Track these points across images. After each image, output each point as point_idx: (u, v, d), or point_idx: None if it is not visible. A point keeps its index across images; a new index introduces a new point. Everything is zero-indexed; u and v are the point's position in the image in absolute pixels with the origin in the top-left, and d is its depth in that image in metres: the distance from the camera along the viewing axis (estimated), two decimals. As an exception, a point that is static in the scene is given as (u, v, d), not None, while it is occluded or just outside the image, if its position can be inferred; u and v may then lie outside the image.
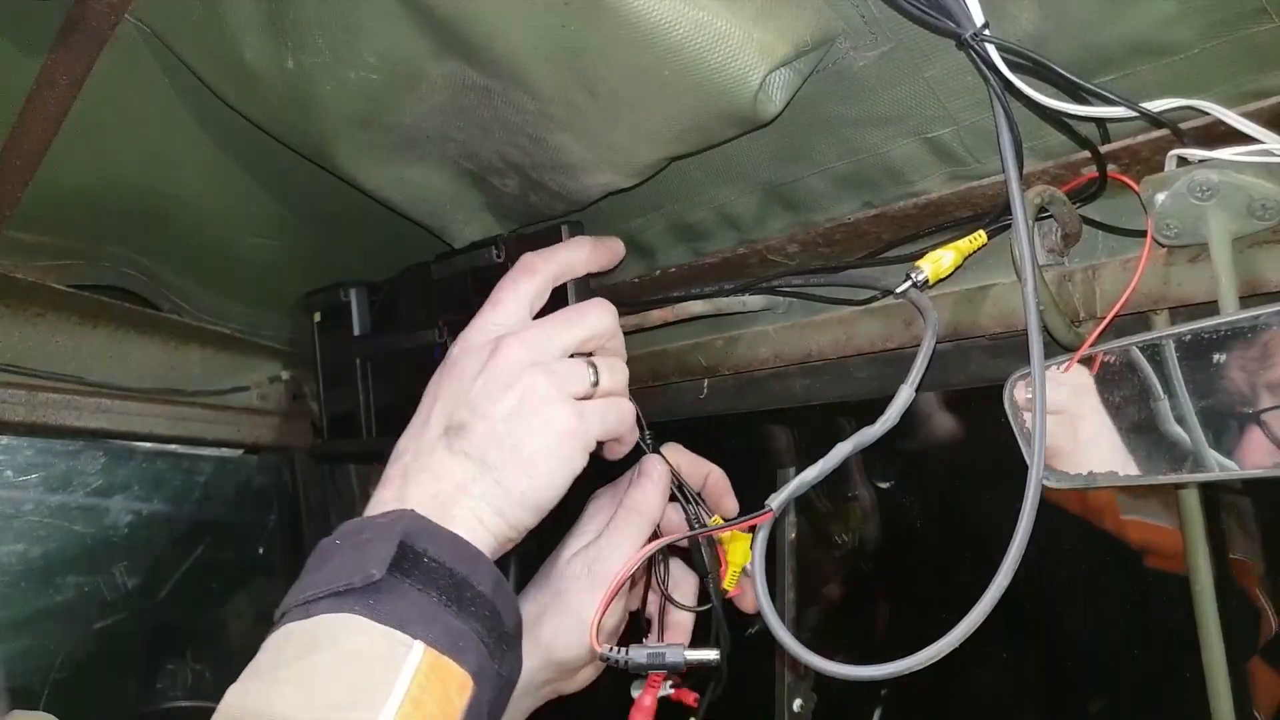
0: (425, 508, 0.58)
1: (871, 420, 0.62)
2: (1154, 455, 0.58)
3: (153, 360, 1.06)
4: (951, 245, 0.64)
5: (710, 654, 0.65)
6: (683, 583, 0.76)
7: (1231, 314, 0.53)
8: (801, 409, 0.86)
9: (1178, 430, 0.56)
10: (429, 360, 0.88)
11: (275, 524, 1.34)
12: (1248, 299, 0.55)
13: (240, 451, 1.26)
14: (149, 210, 0.88)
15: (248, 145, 0.79)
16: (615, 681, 0.71)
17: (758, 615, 0.63)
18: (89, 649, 1.18)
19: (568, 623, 0.68)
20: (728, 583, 0.72)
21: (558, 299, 0.71)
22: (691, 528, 0.73)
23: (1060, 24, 0.52)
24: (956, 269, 0.64)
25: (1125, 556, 0.90)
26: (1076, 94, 0.52)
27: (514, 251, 0.80)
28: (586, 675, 0.72)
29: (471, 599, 0.54)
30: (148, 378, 1.05)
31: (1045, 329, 0.57)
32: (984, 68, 0.51)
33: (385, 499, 0.61)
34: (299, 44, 0.64)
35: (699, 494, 0.76)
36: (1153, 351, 0.57)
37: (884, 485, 0.81)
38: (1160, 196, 0.56)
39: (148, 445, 1.19)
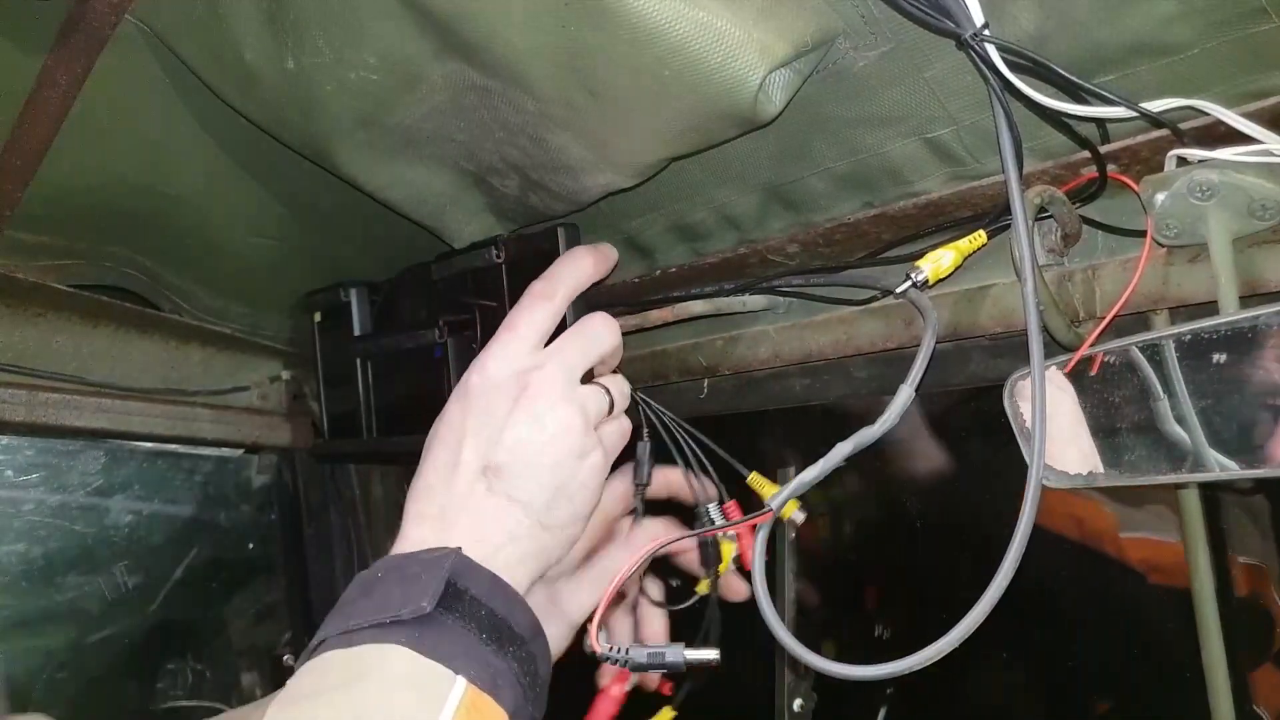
0: (469, 549, 0.59)
1: (871, 420, 0.63)
2: (1154, 455, 0.58)
3: (153, 360, 1.06)
4: (951, 245, 0.64)
5: (710, 654, 0.65)
6: (651, 581, 0.78)
7: (1231, 314, 0.53)
8: (802, 409, 0.86)
9: (1177, 430, 0.56)
10: (429, 360, 0.88)
11: (275, 524, 1.34)
12: (1247, 299, 0.55)
13: (240, 451, 1.26)
14: (149, 210, 0.88)
15: (248, 145, 0.79)
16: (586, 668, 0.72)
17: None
18: (89, 649, 1.18)
19: (556, 629, 0.70)
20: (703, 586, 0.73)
21: None
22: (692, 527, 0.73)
23: (1060, 24, 0.52)
24: (956, 269, 0.64)
25: (1128, 577, 0.90)
26: (1076, 94, 0.52)
27: (513, 252, 0.80)
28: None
29: (510, 639, 0.56)
30: (148, 377, 1.05)
31: (1045, 329, 0.57)
32: (984, 68, 0.51)
33: (426, 537, 0.61)
34: (299, 44, 0.64)
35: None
36: (1152, 351, 0.57)
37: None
38: (1160, 196, 0.56)
39: (148, 445, 1.19)
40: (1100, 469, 0.61)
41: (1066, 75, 0.51)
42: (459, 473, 0.63)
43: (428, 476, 0.65)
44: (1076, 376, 0.60)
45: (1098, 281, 0.64)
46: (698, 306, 0.80)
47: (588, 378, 0.68)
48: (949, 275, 0.64)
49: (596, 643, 0.63)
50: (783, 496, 0.63)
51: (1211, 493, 0.72)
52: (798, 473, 0.64)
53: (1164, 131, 0.55)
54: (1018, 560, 0.52)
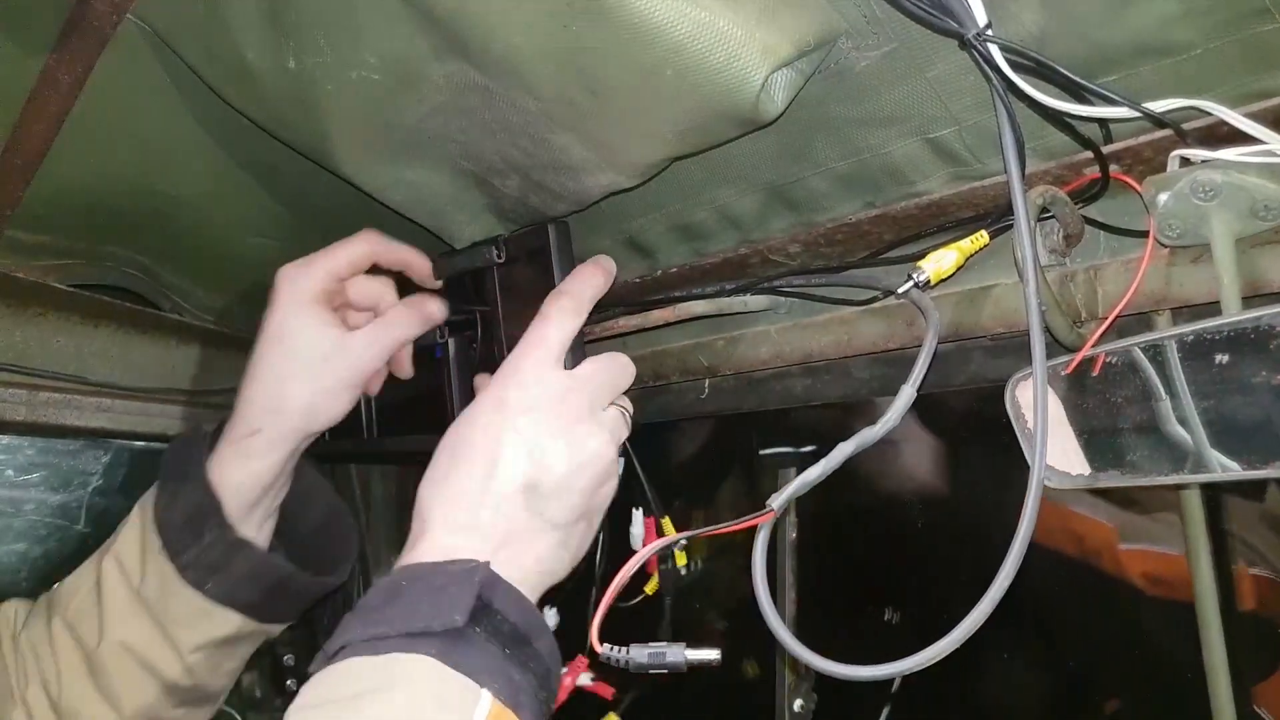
0: (499, 561, 0.60)
1: (873, 420, 0.62)
2: (1156, 456, 0.58)
3: (154, 360, 1.06)
4: (953, 245, 0.64)
5: (712, 654, 0.66)
6: None
7: (1234, 315, 0.53)
8: (803, 409, 0.86)
9: (1179, 431, 0.56)
10: (430, 360, 0.88)
11: (276, 524, 1.33)
12: (1250, 299, 0.55)
13: (241, 451, 1.26)
14: (150, 210, 0.88)
15: (249, 145, 0.79)
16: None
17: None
18: (90, 649, 1.17)
19: None
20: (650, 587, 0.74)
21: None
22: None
23: (1063, 24, 0.52)
24: (958, 269, 0.64)
25: (1128, 591, 0.90)
26: (1079, 94, 0.52)
27: (514, 251, 0.80)
28: None
29: (530, 656, 0.57)
30: (149, 377, 1.05)
31: (1047, 329, 0.57)
32: (987, 68, 0.51)
33: (459, 546, 0.62)
34: (300, 44, 0.64)
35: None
36: (1155, 352, 0.57)
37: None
38: (1163, 197, 0.56)
39: (149, 445, 1.19)
40: (1100, 470, 0.61)
41: (1069, 75, 0.51)
42: (499, 486, 0.64)
43: (461, 483, 0.64)
44: (1078, 377, 0.60)
45: (1100, 282, 0.64)
46: (699, 307, 0.80)
47: None
48: (951, 276, 0.64)
49: (597, 643, 0.63)
50: (785, 496, 0.63)
51: (1214, 493, 0.72)
52: (799, 473, 0.64)
53: (1167, 132, 0.55)
54: (1019, 560, 0.52)
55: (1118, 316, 0.60)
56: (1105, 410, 0.60)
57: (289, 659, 1.31)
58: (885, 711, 1.01)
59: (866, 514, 1.06)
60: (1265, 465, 0.53)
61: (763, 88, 0.55)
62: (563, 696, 0.76)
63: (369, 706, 0.51)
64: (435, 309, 0.82)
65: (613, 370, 0.70)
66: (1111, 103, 0.51)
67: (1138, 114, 0.52)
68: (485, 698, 0.52)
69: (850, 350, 0.77)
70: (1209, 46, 0.50)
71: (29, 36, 0.66)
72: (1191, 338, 0.54)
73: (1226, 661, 0.68)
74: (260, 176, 0.87)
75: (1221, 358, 0.53)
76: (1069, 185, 0.61)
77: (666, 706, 0.76)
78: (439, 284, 0.86)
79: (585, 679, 0.76)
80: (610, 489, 0.69)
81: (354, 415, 0.96)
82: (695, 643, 0.67)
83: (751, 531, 0.61)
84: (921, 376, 0.62)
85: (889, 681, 0.98)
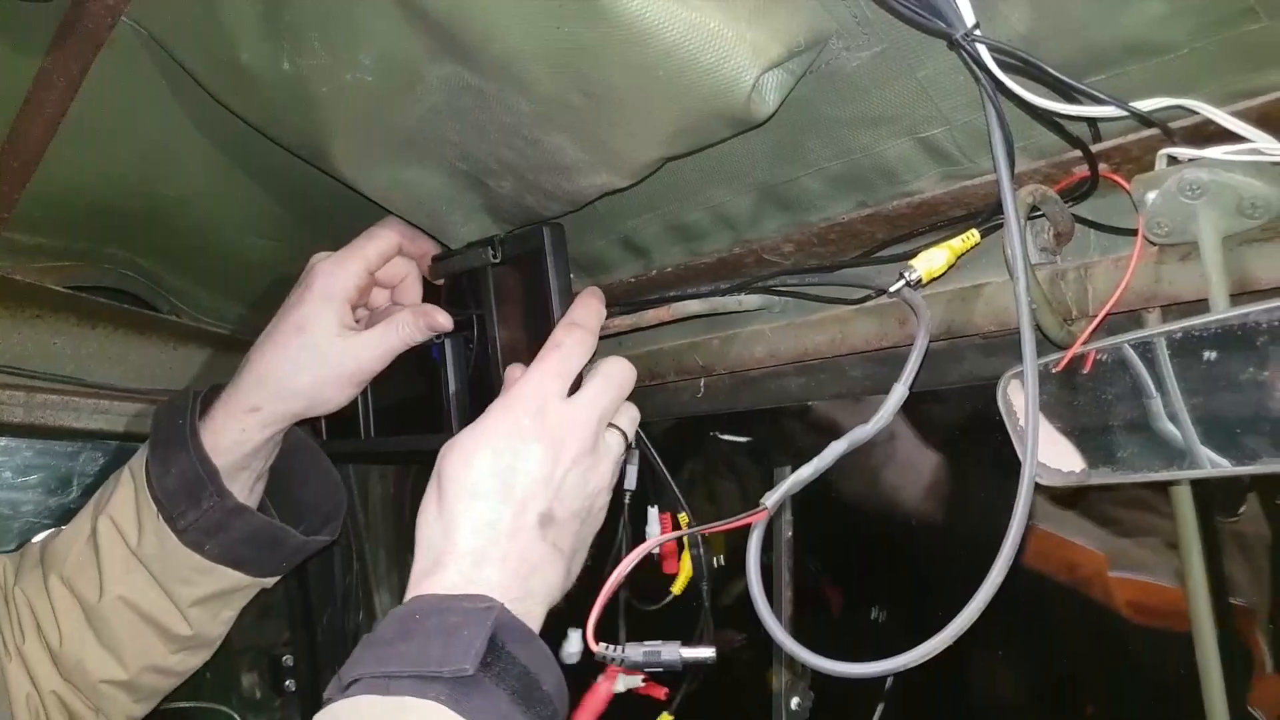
0: (513, 594, 0.62)
1: (865, 419, 0.63)
2: (1146, 453, 0.58)
3: (151, 361, 1.06)
4: (945, 244, 0.64)
5: (706, 652, 0.66)
6: None
7: (1222, 312, 0.53)
8: (797, 407, 0.86)
9: (1170, 428, 0.57)
10: (427, 360, 0.89)
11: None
12: (1238, 297, 0.56)
13: (239, 452, 1.27)
14: (147, 211, 0.88)
15: (245, 146, 0.80)
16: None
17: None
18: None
19: None
20: (676, 587, 0.74)
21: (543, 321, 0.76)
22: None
23: (1051, 24, 0.52)
24: (950, 268, 0.64)
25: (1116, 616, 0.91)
26: (1067, 94, 0.53)
27: (509, 252, 0.81)
28: None
29: (539, 699, 0.59)
30: (146, 379, 1.05)
31: (1038, 327, 0.58)
32: (975, 68, 0.52)
33: (484, 579, 0.62)
34: (295, 46, 0.64)
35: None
36: (1144, 349, 0.57)
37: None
38: (1151, 195, 0.56)
39: (146, 446, 1.19)
40: (1092, 467, 0.61)
41: (1058, 75, 0.51)
42: (523, 519, 0.65)
43: (484, 513, 0.65)
44: (1069, 375, 0.61)
45: (1090, 280, 0.64)
46: (694, 306, 0.81)
47: None
48: (942, 274, 0.64)
49: (593, 641, 0.64)
50: (778, 495, 0.63)
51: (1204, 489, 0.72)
52: (793, 471, 0.64)
53: (1154, 130, 0.55)
54: (1011, 558, 0.52)
55: (1108, 314, 0.61)
56: (1096, 408, 0.61)
57: (289, 659, 1.32)
58: (880, 709, 1.01)
59: (860, 512, 1.06)
60: (1254, 461, 0.53)
61: (754, 88, 0.55)
62: (601, 707, 0.76)
63: None
64: (443, 320, 0.84)
65: (614, 387, 0.72)
66: (1100, 102, 0.52)
67: (1125, 113, 0.52)
68: None
69: (843, 349, 0.77)
70: (1196, 46, 0.51)
71: (24, 39, 0.67)
72: (1180, 335, 0.54)
73: (1219, 662, 0.69)
74: (258, 177, 0.87)
75: (1210, 355, 0.54)
76: (1059, 184, 0.61)
77: (632, 698, 0.76)
78: (439, 281, 0.87)
79: (635, 681, 0.75)
80: (605, 505, 0.72)
81: (351, 416, 0.97)
82: (719, 638, 0.68)
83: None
84: (914, 375, 0.63)
85: (884, 679, 0.99)
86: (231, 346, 1.12)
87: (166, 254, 0.97)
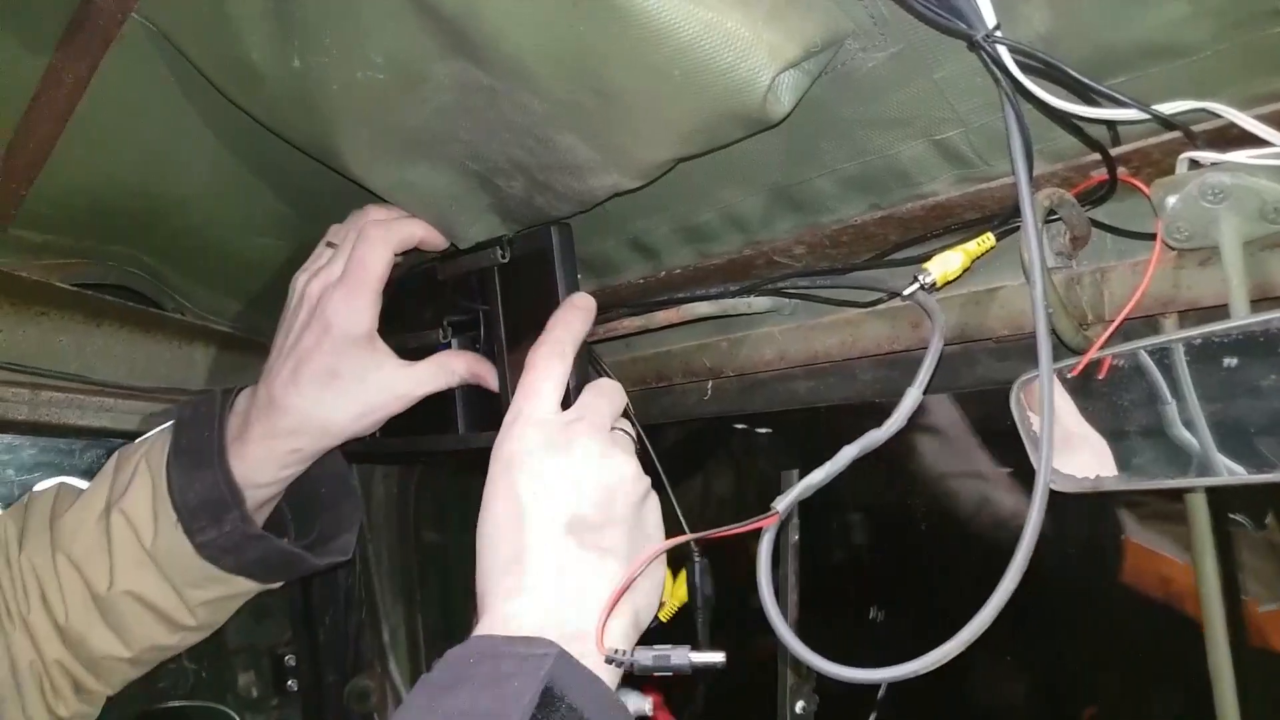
0: (567, 616, 0.60)
1: (878, 423, 0.62)
2: (1161, 459, 0.58)
3: (156, 359, 1.06)
4: (959, 247, 0.64)
5: (716, 657, 0.65)
6: None
7: (1242, 318, 0.53)
8: (807, 411, 0.86)
9: (1185, 434, 0.56)
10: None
11: (277, 523, 1.34)
12: (1259, 303, 0.55)
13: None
14: (153, 209, 0.88)
15: (253, 144, 0.79)
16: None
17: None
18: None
19: None
20: (665, 614, 0.73)
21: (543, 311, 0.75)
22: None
23: (1072, 26, 0.52)
24: (964, 271, 0.64)
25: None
26: (1087, 96, 0.52)
27: (517, 252, 0.80)
28: None
29: None
30: (151, 377, 1.05)
31: (1054, 332, 0.57)
32: (995, 70, 0.51)
33: (518, 611, 0.61)
34: (305, 43, 0.64)
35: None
36: (1161, 355, 0.56)
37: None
38: (1171, 199, 0.56)
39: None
40: (1108, 473, 0.61)
41: (1078, 77, 0.50)
42: (536, 534, 0.63)
43: (502, 551, 0.64)
44: (1084, 380, 0.60)
45: (1107, 284, 0.63)
46: (703, 308, 0.80)
47: None
48: (957, 278, 0.64)
49: (602, 645, 0.63)
50: (789, 499, 0.63)
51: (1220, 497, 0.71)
52: (803, 475, 0.64)
53: (1175, 134, 0.54)
54: (1024, 565, 0.52)
55: (1124, 319, 0.60)
56: (1111, 413, 0.60)
57: (289, 659, 1.31)
58: (873, 715, 1.01)
59: (872, 517, 1.05)
60: (1272, 469, 0.53)
61: (770, 88, 0.55)
62: None
63: None
64: (493, 381, 0.84)
65: (605, 395, 0.71)
66: (1120, 104, 0.51)
67: (1146, 116, 0.52)
68: None
69: (855, 352, 0.77)
70: (1218, 48, 0.50)
71: (34, 35, 0.66)
72: (1199, 341, 0.54)
73: (1231, 666, 0.68)
74: (265, 176, 0.87)
75: (1229, 361, 0.53)
76: (1076, 187, 0.61)
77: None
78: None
79: (645, 709, 0.74)
80: (654, 505, 0.69)
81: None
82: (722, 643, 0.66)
83: (756, 534, 0.61)
84: (927, 379, 0.62)
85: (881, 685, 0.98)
86: (237, 345, 1.12)
87: (173, 252, 0.97)
